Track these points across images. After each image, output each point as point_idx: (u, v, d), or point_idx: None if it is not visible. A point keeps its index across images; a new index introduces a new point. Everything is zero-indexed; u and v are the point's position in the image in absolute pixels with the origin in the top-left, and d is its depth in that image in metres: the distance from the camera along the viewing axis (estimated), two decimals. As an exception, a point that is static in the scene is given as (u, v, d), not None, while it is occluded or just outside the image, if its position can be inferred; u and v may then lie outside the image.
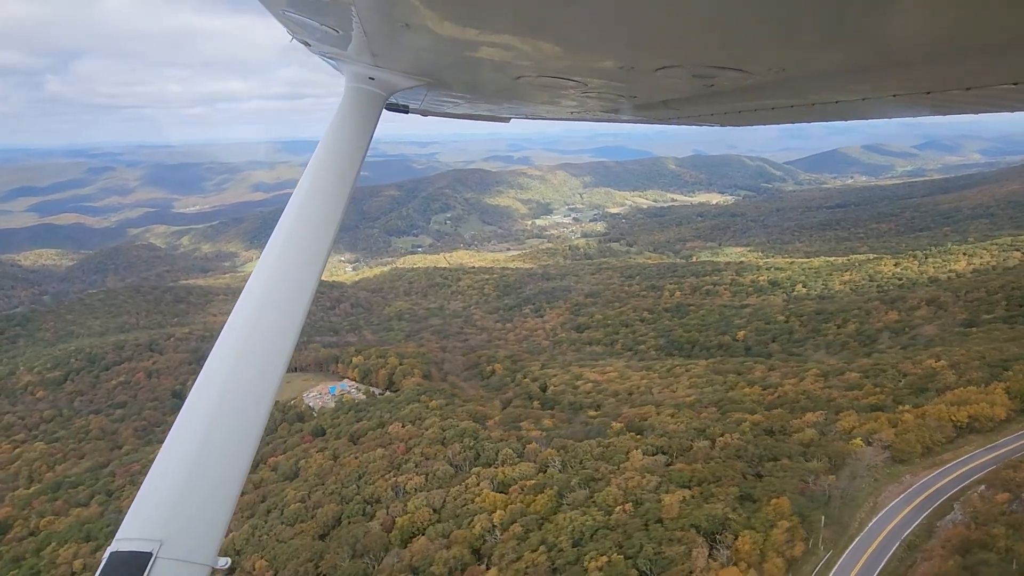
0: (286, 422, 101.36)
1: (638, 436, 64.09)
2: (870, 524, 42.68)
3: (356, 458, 71.12)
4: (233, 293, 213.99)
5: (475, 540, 47.74)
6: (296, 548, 51.15)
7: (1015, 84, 3.59)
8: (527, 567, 40.54)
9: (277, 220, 5.27)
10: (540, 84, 5.22)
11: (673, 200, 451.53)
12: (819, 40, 3.04)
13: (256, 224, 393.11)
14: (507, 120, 10.36)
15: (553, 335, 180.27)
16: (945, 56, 3.23)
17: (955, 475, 48.09)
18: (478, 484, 56.11)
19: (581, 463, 54.96)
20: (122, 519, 3.76)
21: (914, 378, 69.20)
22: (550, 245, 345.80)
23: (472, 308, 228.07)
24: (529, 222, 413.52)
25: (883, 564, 38.79)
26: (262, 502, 66.04)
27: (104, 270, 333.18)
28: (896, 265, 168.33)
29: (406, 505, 54.90)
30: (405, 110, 7.93)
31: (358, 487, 61.75)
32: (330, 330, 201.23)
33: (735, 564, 36.88)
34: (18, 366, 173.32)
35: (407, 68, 5.60)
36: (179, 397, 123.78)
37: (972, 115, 4.91)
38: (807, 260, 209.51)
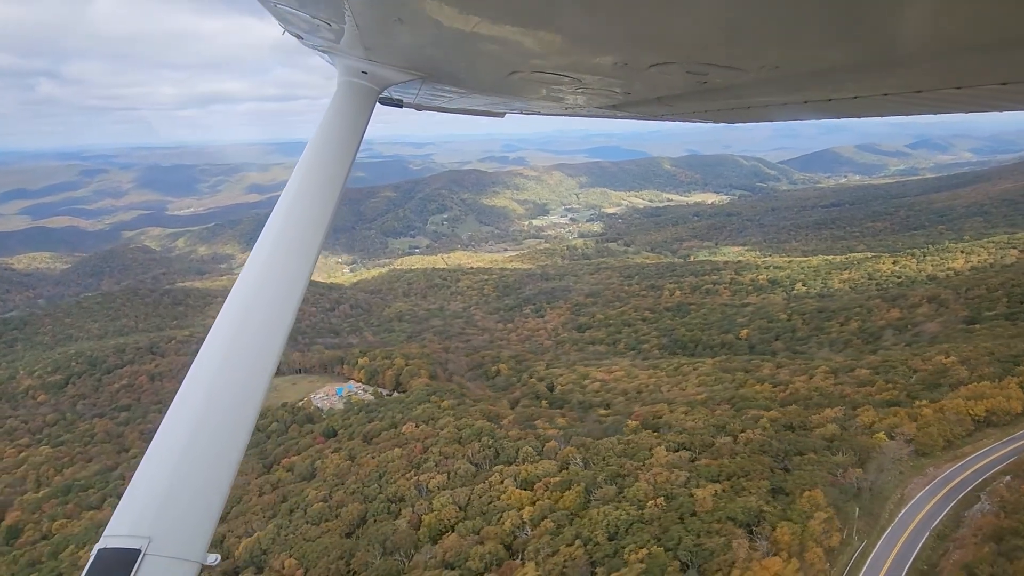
0: (296, 423, 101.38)
1: (655, 433, 64.80)
2: (900, 515, 43.79)
3: (373, 458, 71.43)
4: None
5: (506, 536, 48.27)
6: (326, 546, 51.52)
7: (1004, 84, 3.65)
8: (565, 561, 41.20)
9: None
10: (534, 79, 5.24)
11: (669, 200, 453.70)
12: (812, 38, 3.13)
13: (252, 226, 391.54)
14: (502, 115, 10.24)
15: (555, 335, 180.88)
16: (936, 55, 3.29)
17: (977, 467, 49.26)
18: (502, 482, 56.62)
19: (605, 460, 55.61)
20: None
21: (925, 374, 70.34)
22: (548, 245, 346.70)
23: (472, 309, 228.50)
24: (526, 222, 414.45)
25: (916, 552, 39.88)
26: (283, 502, 66.28)
27: (99, 273, 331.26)
28: (895, 263, 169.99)
29: (431, 503, 55.40)
30: (399, 104, 7.76)
31: (380, 486, 62.13)
32: (331, 332, 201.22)
33: (775, 555, 37.67)
34: (18, 370, 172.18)
35: (400, 62, 5.56)
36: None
37: (963, 114, 5.08)
38: (805, 259, 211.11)
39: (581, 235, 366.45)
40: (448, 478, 60.32)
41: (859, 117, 5.90)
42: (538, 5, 3.22)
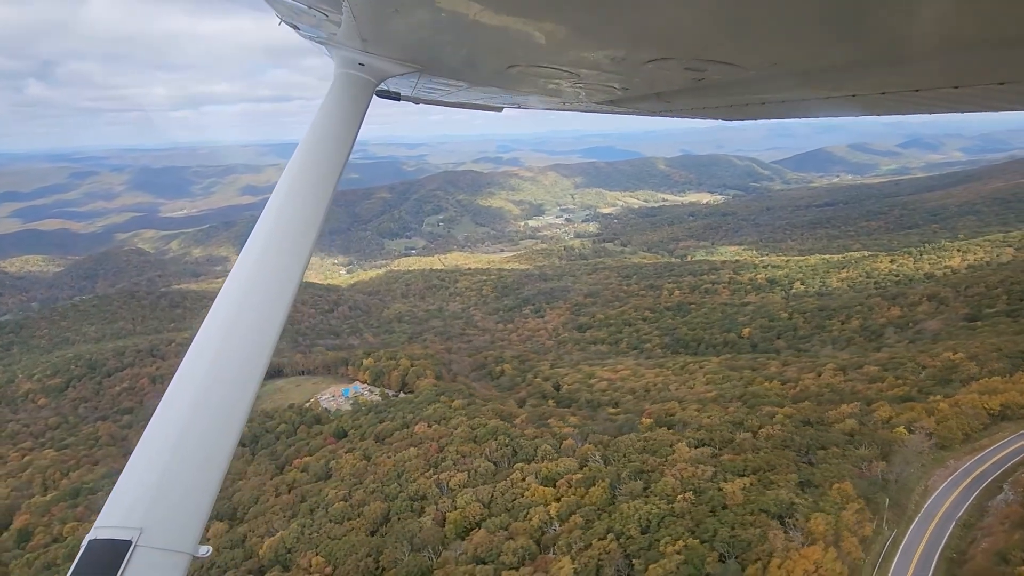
0: (304, 424, 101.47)
1: (670, 430, 65.65)
2: (925, 505, 44.92)
3: (389, 457, 71.81)
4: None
5: (534, 531, 48.92)
6: (352, 544, 51.89)
7: (1001, 84, 3.67)
8: (599, 554, 41.88)
9: None
10: (532, 73, 5.23)
11: (664, 200, 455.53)
12: (810, 35, 3.13)
13: (247, 228, 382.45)
14: (500, 109, 10.14)
15: (556, 335, 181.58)
16: (935, 54, 3.30)
17: (995, 459, 50.42)
18: (523, 479, 57.24)
19: (626, 457, 56.33)
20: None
21: (934, 370, 71.71)
22: (544, 246, 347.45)
23: (472, 309, 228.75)
24: (522, 223, 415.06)
25: (944, 541, 40.98)
26: (302, 502, 66.52)
27: (93, 276, 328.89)
28: (892, 262, 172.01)
29: (455, 501, 55.96)
30: (397, 97, 7.63)
31: (400, 485, 62.52)
32: (331, 333, 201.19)
33: (812, 544, 38.55)
34: (16, 374, 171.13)
35: (397, 54, 5.51)
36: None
37: (954, 114, 5.12)
38: (803, 258, 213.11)
39: (577, 235, 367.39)
40: (469, 476, 60.85)
41: (857, 116, 5.96)
42: None
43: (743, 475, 47.76)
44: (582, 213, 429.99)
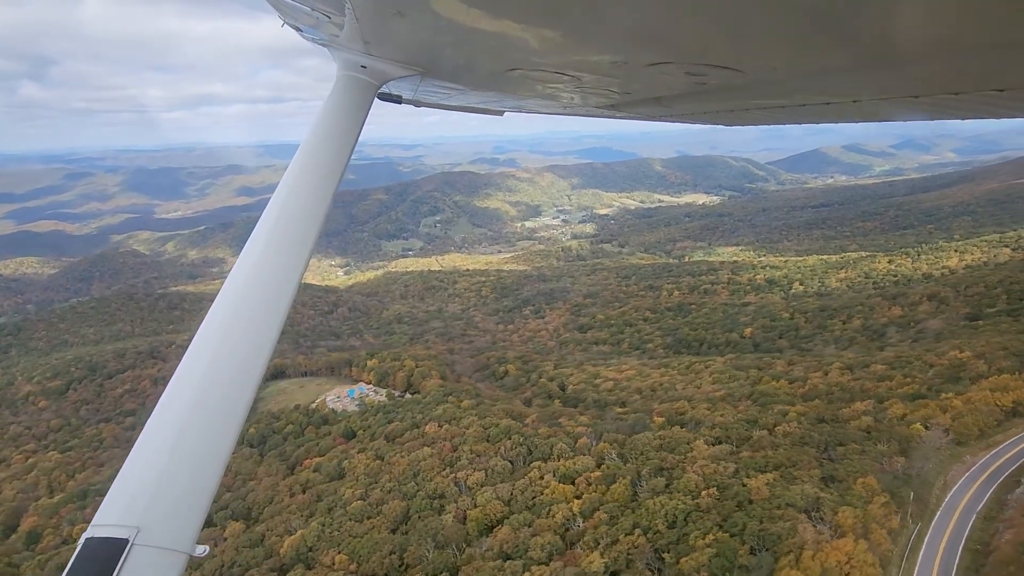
0: (312, 425, 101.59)
1: (683, 428, 66.38)
2: (946, 499, 45.95)
3: (403, 457, 72.15)
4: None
5: (558, 528, 49.49)
6: (376, 541, 52.27)
7: (1001, 91, 3.68)
8: (628, 549, 42.50)
9: None
10: (533, 77, 5.25)
11: (660, 201, 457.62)
12: (811, 41, 3.12)
13: (243, 229, 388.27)
14: (500, 113, 10.12)
15: (557, 335, 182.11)
16: (935, 60, 3.31)
17: (1010, 454, 51.53)
18: (542, 477, 57.74)
19: (644, 455, 56.97)
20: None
21: (941, 368, 72.87)
22: (542, 247, 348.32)
23: (472, 310, 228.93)
24: (519, 224, 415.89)
25: (967, 533, 42.00)
26: (318, 501, 66.85)
27: (89, 278, 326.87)
28: (890, 262, 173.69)
29: (474, 499, 56.44)
30: (398, 100, 7.60)
31: (417, 484, 62.92)
32: (331, 334, 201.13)
33: (841, 537, 39.35)
34: (15, 376, 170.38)
35: (400, 57, 5.50)
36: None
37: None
38: (801, 258, 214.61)
39: (575, 236, 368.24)
40: (486, 475, 61.31)
41: (856, 121, 5.92)
42: (538, 2, 3.25)
43: (764, 471, 48.54)
44: (579, 214, 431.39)
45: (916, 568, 39.30)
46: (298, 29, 5.90)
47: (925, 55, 3.20)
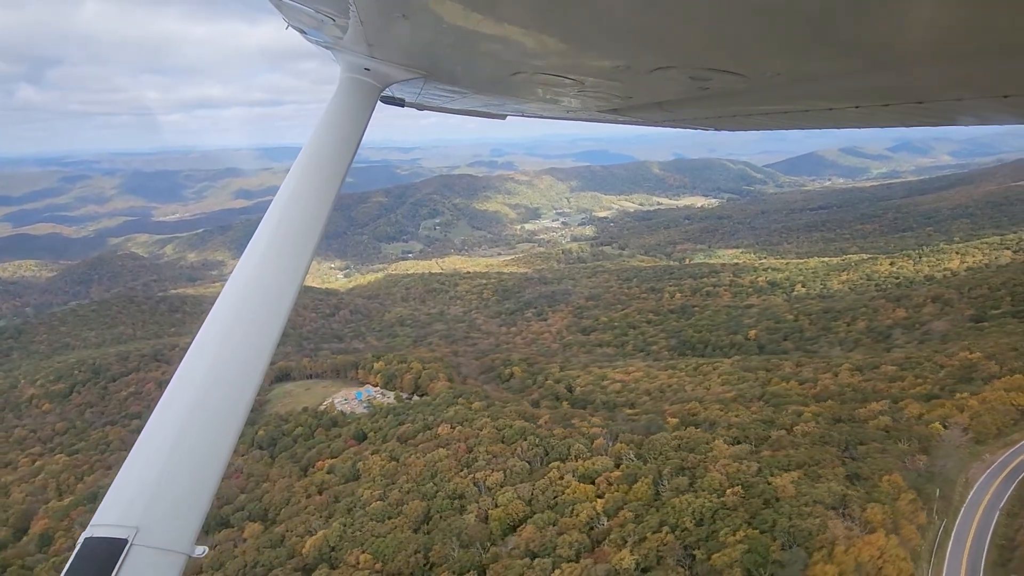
0: (322, 427, 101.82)
1: (697, 428, 66.89)
2: (969, 496, 46.75)
3: (419, 458, 72.52)
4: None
5: (583, 527, 49.96)
6: (400, 541, 52.63)
7: (1005, 97, 3.70)
8: (657, 546, 43.02)
9: None
10: (537, 81, 5.25)
11: (659, 203, 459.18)
12: (814, 46, 3.10)
13: (242, 232, 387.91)
14: (503, 117, 10.07)
15: (561, 338, 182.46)
16: (938, 67, 3.32)
17: (1029, 452, 52.45)
18: (561, 477, 58.27)
19: (663, 455, 57.50)
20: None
21: (952, 369, 73.71)
22: (542, 249, 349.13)
23: (473, 313, 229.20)
24: (519, 227, 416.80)
25: (992, 528, 42.82)
26: (336, 502, 67.15)
27: (88, 281, 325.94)
28: (892, 264, 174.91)
29: (495, 499, 56.87)
30: (401, 103, 7.58)
31: (435, 484, 63.32)
32: (334, 337, 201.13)
33: (871, 533, 40.03)
34: (18, 379, 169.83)
35: (403, 60, 5.52)
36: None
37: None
38: (802, 261, 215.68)
39: (574, 239, 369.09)
40: (505, 476, 61.73)
41: (859, 127, 5.94)
42: (542, 6, 3.27)
43: (788, 470, 49.15)
44: (578, 216, 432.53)
45: (945, 563, 40.10)
46: (302, 32, 5.93)
47: (928, 61, 3.25)
